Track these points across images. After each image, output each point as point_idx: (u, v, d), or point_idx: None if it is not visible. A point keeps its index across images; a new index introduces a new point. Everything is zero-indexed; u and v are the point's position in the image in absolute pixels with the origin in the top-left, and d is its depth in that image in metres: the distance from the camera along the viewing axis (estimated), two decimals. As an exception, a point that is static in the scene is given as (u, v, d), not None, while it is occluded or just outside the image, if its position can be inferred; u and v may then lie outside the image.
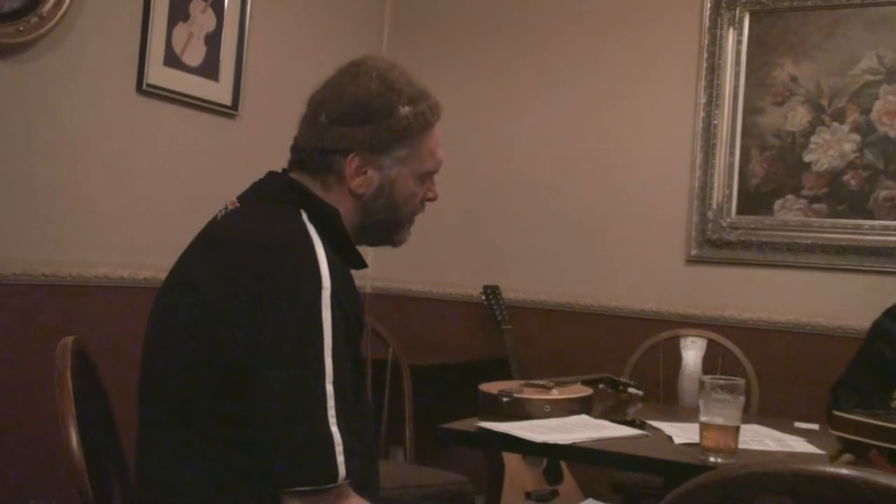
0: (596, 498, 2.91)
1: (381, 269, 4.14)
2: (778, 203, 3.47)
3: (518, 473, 3.10)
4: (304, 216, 1.46)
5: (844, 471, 1.01)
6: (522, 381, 2.39)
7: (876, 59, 3.34)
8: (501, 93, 4.02)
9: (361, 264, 1.57)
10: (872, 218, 3.32)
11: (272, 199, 1.50)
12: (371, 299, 4.14)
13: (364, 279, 4.14)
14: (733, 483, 1.07)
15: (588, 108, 3.83)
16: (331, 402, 1.29)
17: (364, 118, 1.50)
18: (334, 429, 1.28)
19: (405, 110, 1.52)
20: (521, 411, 2.16)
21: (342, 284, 1.38)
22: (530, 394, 2.24)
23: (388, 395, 3.15)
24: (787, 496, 1.05)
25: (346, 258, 1.49)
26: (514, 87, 4.00)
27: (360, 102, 1.50)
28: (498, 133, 4.02)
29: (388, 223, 1.59)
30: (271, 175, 1.56)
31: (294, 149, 1.56)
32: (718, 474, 1.08)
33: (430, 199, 1.64)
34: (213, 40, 3.28)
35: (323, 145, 1.51)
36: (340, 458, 1.28)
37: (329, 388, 1.30)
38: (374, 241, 1.65)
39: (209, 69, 3.27)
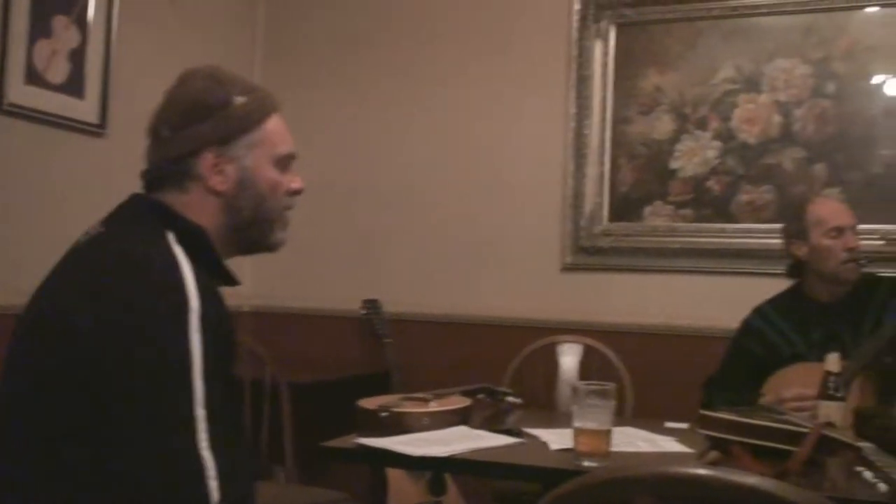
0: (480, 507, 2.94)
1: (258, 287, 4.08)
2: (647, 209, 3.58)
3: (402, 487, 3.10)
4: (171, 237, 1.42)
5: (700, 471, 1.05)
6: (401, 395, 2.39)
7: (734, 69, 3.48)
8: (376, 108, 4.03)
9: (233, 282, 1.53)
10: (735, 221, 3.45)
11: (135, 221, 1.46)
12: (249, 318, 4.08)
13: (241, 298, 4.06)
14: (597, 488, 1.10)
15: (462, 120, 3.87)
16: (202, 426, 1.26)
17: (203, 114, 1.48)
18: (206, 453, 1.25)
19: (241, 99, 1.50)
20: (400, 425, 2.16)
21: (212, 305, 1.34)
22: (409, 407, 2.24)
23: (268, 415, 3.10)
24: (649, 497, 1.09)
25: (217, 277, 1.46)
26: (387, 102, 4.01)
27: (195, 101, 1.49)
28: (373, 148, 4.02)
29: (258, 220, 1.54)
30: (134, 197, 1.52)
31: (146, 173, 1.52)
32: (582, 480, 1.10)
33: (296, 192, 1.59)
34: (77, 57, 3.17)
35: (172, 154, 1.48)
36: (213, 483, 1.24)
37: (200, 411, 1.26)
38: (249, 245, 1.59)
39: (74, 87, 3.16)
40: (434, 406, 2.27)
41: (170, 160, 1.48)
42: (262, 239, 1.58)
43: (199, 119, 1.48)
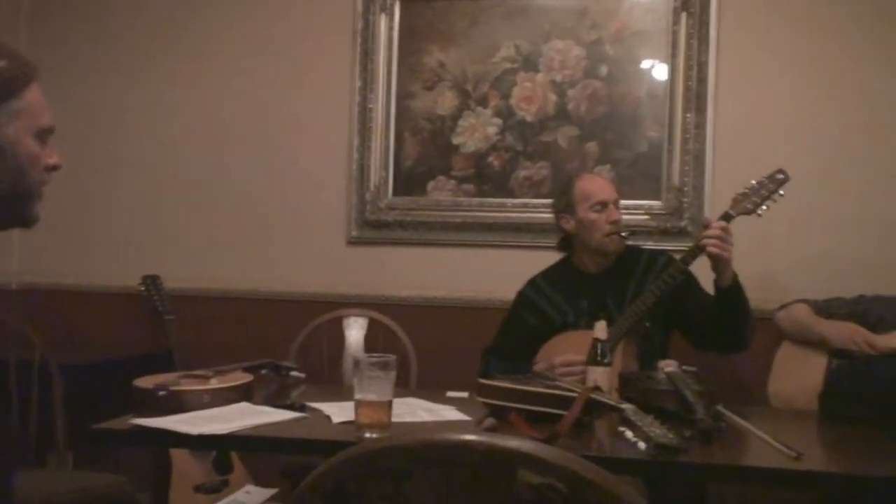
0: (267, 484, 2.91)
1: (28, 262, 3.85)
2: (431, 184, 3.65)
3: (186, 467, 3.02)
4: None
5: (466, 436, 1.10)
6: (180, 373, 2.33)
7: (514, 48, 3.60)
8: (154, 78, 3.87)
9: None
10: (514, 196, 3.58)
11: None
12: (16, 296, 3.84)
13: (8, 274, 3.82)
14: (370, 456, 1.13)
15: (247, 92, 3.79)
16: None
17: None
18: None
19: (2, 63, 1.42)
20: (179, 404, 2.12)
21: None
22: (188, 385, 2.20)
23: (37, 399, 2.94)
24: (419, 464, 1.12)
25: None
26: (165, 72, 3.87)
27: None
28: (152, 120, 3.87)
29: (15, 194, 1.46)
30: None
31: None
32: (356, 449, 1.13)
33: (54, 167, 1.52)
34: None
35: None
36: None
37: None
38: (4, 220, 1.51)
39: None
40: (214, 383, 2.24)
41: None
42: (20, 213, 1.50)
43: None
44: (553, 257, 3.02)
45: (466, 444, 1.06)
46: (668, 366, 2.23)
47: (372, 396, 1.90)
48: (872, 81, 3.34)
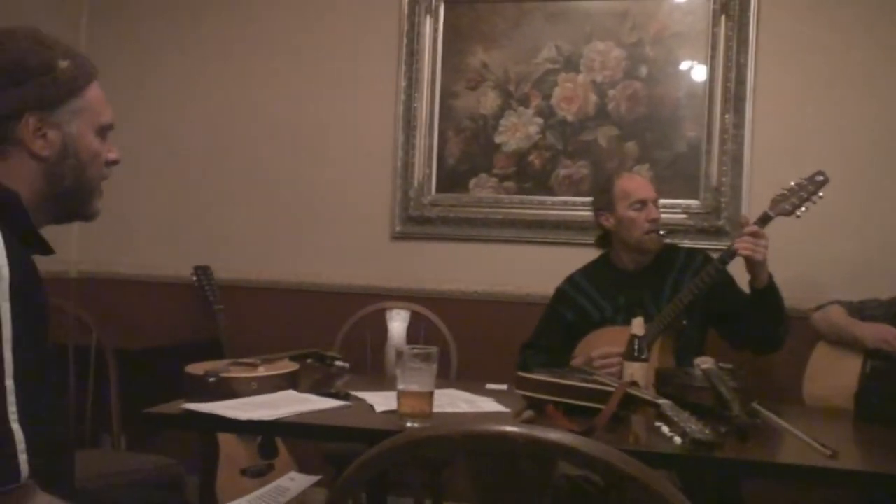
0: (311, 470, 2.99)
1: (86, 252, 3.99)
2: (473, 181, 3.72)
3: (233, 451, 3.12)
4: None
5: (507, 427, 1.13)
6: (230, 361, 2.40)
7: (555, 50, 3.65)
8: (207, 76, 3.99)
9: (47, 251, 1.49)
10: (554, 194, 3.64)
11: None
12: (75, 284, 3.97)
13: (67, 263, 3.95)
14: (413, 445, 1.17)
15: (297, 90, 3.88)
16: (11, 399, 1.24)
17: (25, 77, 1.43)
18: (15, 426, 1.24)
19: (65, 63, 1.47)
20: (228, 390, 2.18)
21: (24, 273, 1.32)
22: (237, 372, 2.26)
23: (94, 382, 3.05)
24: (460, 453, 1.17)
25: (30, 244, 1.42)
26: (218, 70, 3.98)
27: (16, 62, 1.44)
28: (205, 116, 3.99)
29: (77, 189, 1.51)
30: None
31: None
32: (401, 438, 1.17)
33: (113, 162, 1.57)
34: None
35: None
36: (23, 457, 1.24)
37: (9, 383, 1.25)
38: (66, 214, 1.56)
39: None
40: (262, 371, 2.30)
41: None
42: (81, 208, 1.56)
43: (20, 82, 1.43)
44: (592, 254, 3.07)
45: (507, 435, 1.09)
46: (705, 362, 2.23)
47: (414, 387, 1.94)
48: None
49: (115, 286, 3.98)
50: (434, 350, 2.00)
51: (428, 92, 3.74)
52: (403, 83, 3.75)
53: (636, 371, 2.29)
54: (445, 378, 2.94)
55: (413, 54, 3.75)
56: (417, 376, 1.95)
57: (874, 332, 2.76)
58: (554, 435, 1.09)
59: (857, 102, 3.38)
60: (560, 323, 2.95)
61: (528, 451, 1.10)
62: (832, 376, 2.84)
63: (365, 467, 1.17)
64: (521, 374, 2.26)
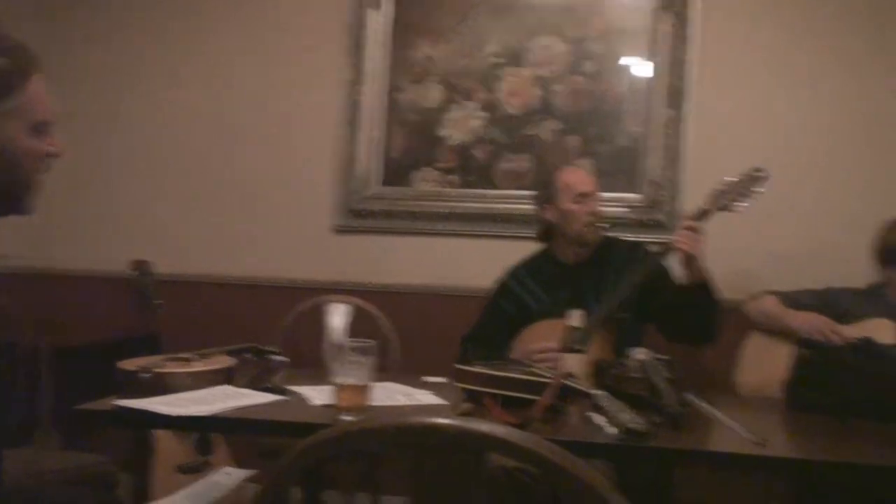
0: (249, 465, 2.96)
1: (19, 246, 3.89)
2: (417, 175, 3.72)
3: (169, 448, 3.07)
4: None
5: (438, 420, 1.13)
6: (164, 356, 2.37)
7: (500, 45, 3.66)
8: (148, 68, 3.95)
9: None
10: (497, 188, 3.65)
11: None
12: (8, 279, 3.87)
13: (-1, 258, 3.87)
14: (343, 438, 1.17)
15: (238, 84, 3.85)
16: None
17: None
18: None
19: (1, 61, 1.45)
20: (162, 386, 2.14)
21: None
22: (171, 367, 2.23)
23: (26, 380, 2.99)
24: (392, 447, 1.17)
25: None
26: (159, 61, 3.93)
27: None
28: (145, 109, 3.94)
29: (11, 185, 1.50)
30: None
31: None
32: (331, 431, 1.16)
33: (54, 155, 1.55)
34: None
35: None
36: None
37: None
38: (0, 210, 1.54)
39: None
40: (197, 366, 2.27)
41: None
42: (15, 203, 1.53)
43: None
44: (534, 248, 3.08)
45: (437, 427, 1.09)
46: (641, 354, 2.26)
47: (351, 380, 1.94)
48: (849, 82, 3.42)
49: (49, 281, 3.90)
50: (372, 343, 1.99)
51: (372, 85, 3.72)
52: (348, 76, 3.73)
53: (574, 363, 2.31)
54: (387, 372, 2.93)
55: (358, 47, 3.73)
56: (355, 370, 1.95)
57: (807, 322, 2.81)
58: (484, 427, 1.09)
59: (796, 99, 3.45)
60: (501, 315, 2.96)
61: (458, 443, 1.10)
62: (764, 365, 2.88)
63: (295, 461, 1.17)
64: (458, 366, 2.26)
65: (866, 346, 2.40)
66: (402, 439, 1.13)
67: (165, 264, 3.79)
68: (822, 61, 3.43)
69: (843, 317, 2.89)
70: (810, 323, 2.80)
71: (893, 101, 3.40)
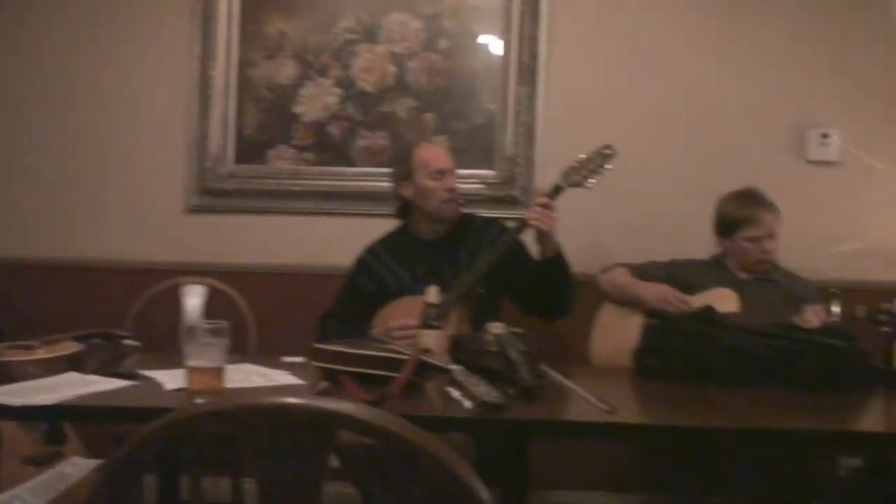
0: (104, 454, 2.87)
1: None
2: (271, 153, 3.65)
3: (15, 438, 2.94)
4: None
5: (286, 399, 1.12)
6: (5, 344, 2.27)
7: (354, 20, 3.62)
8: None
9: None
10: (353, 165, 3.63)
11: None
12: None
13: None
14: (189, 421, 1.15)
15: (83, 57, 3.68)
16: None
17: None
18: None
19: None
20: (6, 375, 2.05)
21: None
22: (13, 356, 2.14)
23: None
24: (241, 428, 1.15)
25: None
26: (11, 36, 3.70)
27: None
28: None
29: None
30: None
31: None
32: (169, 417, 1.14)
33: None
34: None
35: None
36: None
37: None
38: None
39: None
40: (41, 353, 2.18)
41: None
42: None
43: None
44: (391, 225, 3.09)
45: (285, 406, 1.09)
46: (496, 328, 2.30)
47: (204, 363, 1.91)
48: (693, 59, 3.56)
49: None
50: (225, 324, 1.96)
51: (224, 60, 3.63)
52: (198, 51, 3.63)
53: (431, 339, 2.34)
54: (244, 353, 2.89)
55: (208, 21, 3.63)
56: (208, 352, 1.92)
57: (656, 292, 2.93)
58: (332, 404, 1.09)
59: (644, 77, 3.57)
60: (359, 293, 2.96)
61: (307, 421, 1.10)
62: (616, 335, 2.99)
63: (137, 447, 1.14)
64: (316, 345, 2.25)
65: (708, 315, 2.52)
66: (252, 420, 1.12)
67: (9, 248, 3.61)
68: (667, 39, 3.56)
69: (688, 287, 3.03)
70: (659, 293, 2.92)
71: (735, 79, 3.56)
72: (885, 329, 2.50)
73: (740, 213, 3.05)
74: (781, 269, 3.11)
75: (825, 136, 3.52)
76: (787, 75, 3.55)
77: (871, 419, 2.24)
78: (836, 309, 2.68)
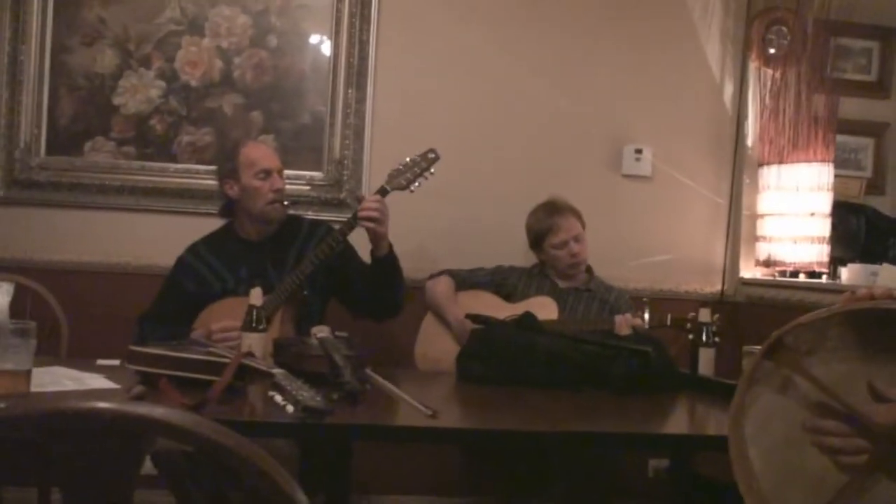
0: None
1: None
2: (88, 145, 3.49)
3: None
4: None
5: (92, 404, 1.07)
6: None
7: (179, 11, 3.51)
8: None
9: None
10: (177, 161, 3.52)
11: None
12: None
13: None
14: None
15: None
16: None
17: None
18: None
19: None
20: None
21: None
22: None
23: None
24: (46, 434, 1.09)
25: None
26: None
27: None
28: None
29: None
30: None
31: None
32: None
33: None
34: None
35: None
36: None
37: None
38: None
39: None
40: None
41: None
42: None
43: None
44: (215, 224, 3.02)
45: (92, 411, 1.04)
46: (321, 331, 2.29)
47: (9, 366, 1.81)
48: (513, 74, 3.66)
49: None
50: (32, 325, 1.86)
51: (36, 45, 3.44)
52: (7, 33, 3.42)
53: (254, 341, 2.30)
54: (55, 356, 2.75)
55: (19, 2, 3.42)
56: (13, 354, 1.82)
57: (458, 322, 2.97)
58: (143, 409, 1.05)
59: (470, 82, 3.63)
60: (180, 293, 2.87)
61: (117, 427, 1.06)
62: (440, 340, 3.04)
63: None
64: (132, 347, 2.17)
65: (528, 321, 2.60)
66: (56, 425, 1.07)
67: None
68: (493, 50, 3.64)
69: (511, 294, 3.11)
70: (461, 324, 2.94)
71: (559, 92, 3.68)
72: (691, 337, 2.65)
73: (543, 223, 3.18)
74: (598, 279, 3.24)
75: (639, 151, 3.70)
76: (606, 92, 3.71)
77: (677, 422, 2.37)
78: (646, 317, 2.82)
